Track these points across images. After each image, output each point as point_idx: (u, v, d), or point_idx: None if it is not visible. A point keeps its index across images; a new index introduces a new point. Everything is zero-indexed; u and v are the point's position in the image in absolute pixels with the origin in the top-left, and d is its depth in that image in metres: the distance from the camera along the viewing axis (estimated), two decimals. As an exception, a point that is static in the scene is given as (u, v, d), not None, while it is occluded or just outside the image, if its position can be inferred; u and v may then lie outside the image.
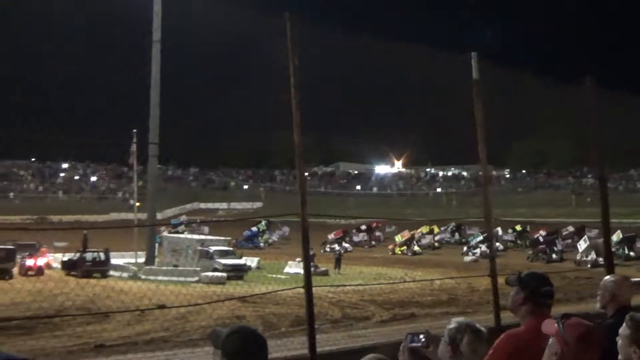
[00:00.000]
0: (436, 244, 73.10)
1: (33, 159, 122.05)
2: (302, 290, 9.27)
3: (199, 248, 49.80)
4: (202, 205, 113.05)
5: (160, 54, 53.06)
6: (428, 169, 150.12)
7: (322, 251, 64.41)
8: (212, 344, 3.81)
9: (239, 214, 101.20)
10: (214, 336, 3.83)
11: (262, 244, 72.04)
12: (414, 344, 4.71)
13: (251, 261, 52.10)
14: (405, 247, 67.71)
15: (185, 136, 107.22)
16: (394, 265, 54.93)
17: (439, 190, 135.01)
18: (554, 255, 59.35)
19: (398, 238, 69.90)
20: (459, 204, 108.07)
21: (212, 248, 49.63)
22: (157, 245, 52.89)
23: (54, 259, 49.68)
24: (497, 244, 69.54)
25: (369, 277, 46.50)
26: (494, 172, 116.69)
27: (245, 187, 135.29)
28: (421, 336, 4.73)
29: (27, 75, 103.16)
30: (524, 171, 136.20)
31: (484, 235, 68.21)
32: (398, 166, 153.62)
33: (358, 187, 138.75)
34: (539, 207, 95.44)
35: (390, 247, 68.79)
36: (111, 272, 46.04)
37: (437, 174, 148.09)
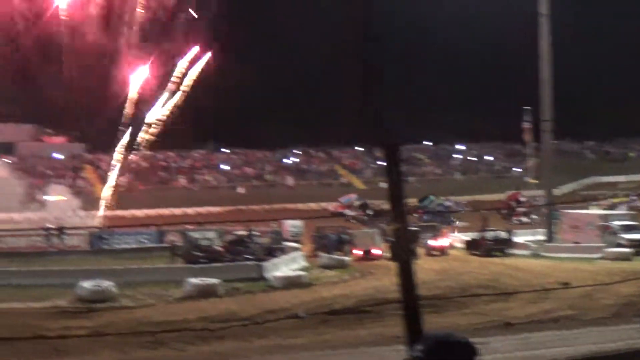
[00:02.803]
0: None
1: (429, 142, 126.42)
2: None
3: (601, 223, 48.05)
4: (600, 179, 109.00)
5: (549, 27, 51.79)
6: None
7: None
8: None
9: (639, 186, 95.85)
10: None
11: (456, 221, 60.67)
12: None
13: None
14: None
15: (581, 108, 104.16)
16: None
17: None
18: None
19: None
20: None
21: (616, 223, 47.64)
22: (556, 222, 51.97)
23: (456, 238, 50.94)
24: None
25: None
26: None
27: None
28: None
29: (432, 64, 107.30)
30: None
31: None
32: None
33: None
34: None
35: None
36: (512, 251, 46.15)
37: None
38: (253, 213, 73.96)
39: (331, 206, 72.79)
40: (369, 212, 64.92)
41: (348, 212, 67.32)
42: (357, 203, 70.96)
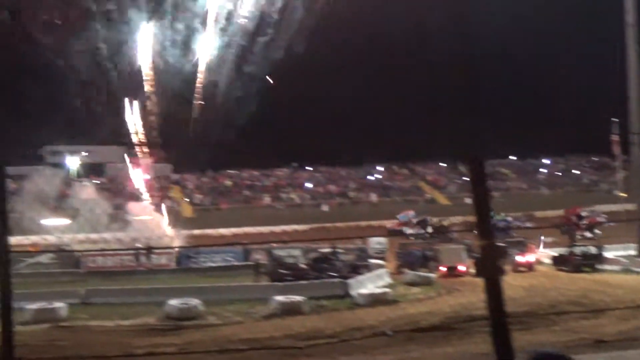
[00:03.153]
0: None
1: (514, 157, 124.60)
2: None
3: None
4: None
5: (637, 37, 50.57)
6: None
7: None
8: None
9: None
10: None
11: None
12: None
13: None
14: None
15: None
16: None
17: None
18: None
19: None
20: None
21: None
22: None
23: (543, 254, 50.03)
24: None
25: None
26: None
27: None
28: None
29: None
30: None
31: None
32: None
33: None
34: None
35: None
36: (602, 266, 45.05)
37: None
38: (337, 230, 74.15)
39: (389, 224, 72.18)
40: (429, 229, 64.25)
41: (406, 229, 66.68)
42: (415, 220, 70.30)
